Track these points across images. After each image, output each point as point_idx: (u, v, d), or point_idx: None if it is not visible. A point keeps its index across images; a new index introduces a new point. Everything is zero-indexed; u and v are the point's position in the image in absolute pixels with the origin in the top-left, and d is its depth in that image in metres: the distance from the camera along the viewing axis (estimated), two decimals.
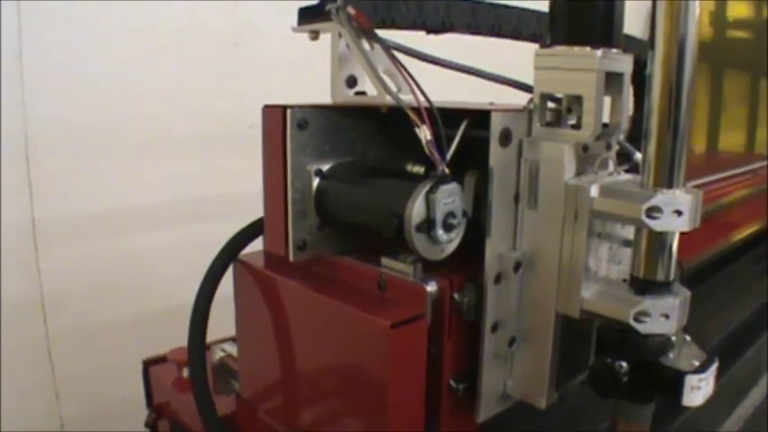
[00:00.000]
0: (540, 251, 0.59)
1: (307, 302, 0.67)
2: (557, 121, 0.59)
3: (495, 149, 0.57)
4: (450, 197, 0.57)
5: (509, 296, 0.60)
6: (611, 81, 0.55)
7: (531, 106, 0.58)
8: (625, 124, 0.58)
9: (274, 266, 0.71)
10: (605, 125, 0.57)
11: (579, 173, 0.58)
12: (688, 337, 0.55)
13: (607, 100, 0.56)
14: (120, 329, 1.42)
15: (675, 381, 0.51)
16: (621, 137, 0.61)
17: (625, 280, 0.57)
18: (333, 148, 0.67)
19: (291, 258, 0.66)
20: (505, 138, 0.58)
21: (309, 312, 0.67)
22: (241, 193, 1.28)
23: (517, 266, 0.60)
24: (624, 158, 0.67)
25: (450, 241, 0.59)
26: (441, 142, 0.57)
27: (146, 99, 1.39)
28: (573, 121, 0.58)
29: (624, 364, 0.53)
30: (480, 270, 0.60)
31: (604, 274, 0.59)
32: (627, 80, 0.56)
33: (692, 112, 0.50)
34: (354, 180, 0.66)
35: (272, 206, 0.67)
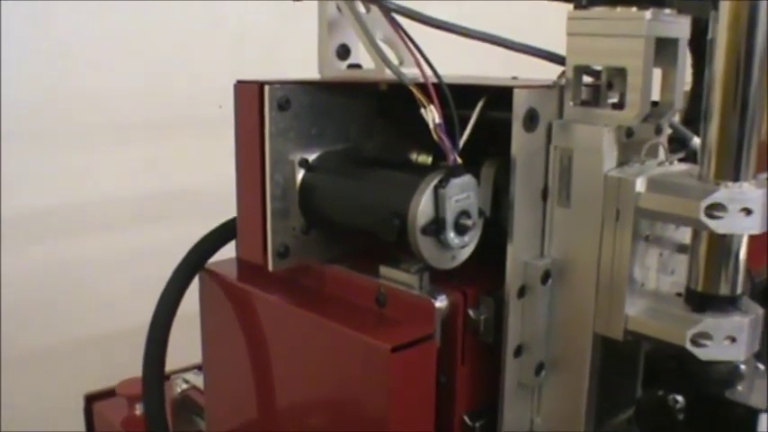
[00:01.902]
0: (573, 258, 0.59)
1: (289, 322, 0.67)
2: (594, 99, 0.59)
3: (518, 134, 0.57)
4: (463, 192, 0.58)
5: (536, 313, 0.60)
6: (663, 49, 0.54)
7: (563, 81, 0.58)
8: (680, 103, 0.57)
9: (250, 278, 0.71)
10: (654, 104, 0.57)
11: (622, 163, 0.58)
12: (761, 366, 0.55)
13: (657, 72, 0.56)
14: (57, 356, 1.40)
15: (746, 420, 0.51)
16: (675, 118, 0.61)
17: (680, 294, 0.57)
18: (321, 133, 0.67)
19: (271, 267, 0.66)
20: (531, 120, 0.58)
21: (293, 334, 0.67)
22: (208, 188, 1.28)
23: (546, 277, 0.60)
24: (678, 145, 0.66)
25: (463, 246, 0.59)
26: (452, 126, 0.57)
27: (89, 74, 1.37)
28: (614, 100, 0.58)
29: (680, 398, 0.53)
30: (500, 281, 0.60)
31: (654, 286, 0.59)
32: (682, 48, 0.56)
33: (765, 87, 0.49)
34: (347, 172, 0.66)
35: (247, 204, 0.67)
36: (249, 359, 0.72)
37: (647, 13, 0.52)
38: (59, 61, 1.35)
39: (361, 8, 0.64)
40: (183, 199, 1.49)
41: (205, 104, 1.31)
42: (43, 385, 1.36)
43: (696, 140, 0.66)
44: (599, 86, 0.58)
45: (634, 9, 0.53)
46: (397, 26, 0.61)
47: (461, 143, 0.58)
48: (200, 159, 1.42)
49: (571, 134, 0.58)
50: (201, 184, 1.39)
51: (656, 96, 0.57)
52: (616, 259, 0.56)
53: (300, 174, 0.66)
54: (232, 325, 0.73)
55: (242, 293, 0.71)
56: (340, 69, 0.70)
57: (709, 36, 0.51)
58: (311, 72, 0.70)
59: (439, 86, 0.57)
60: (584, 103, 0.58)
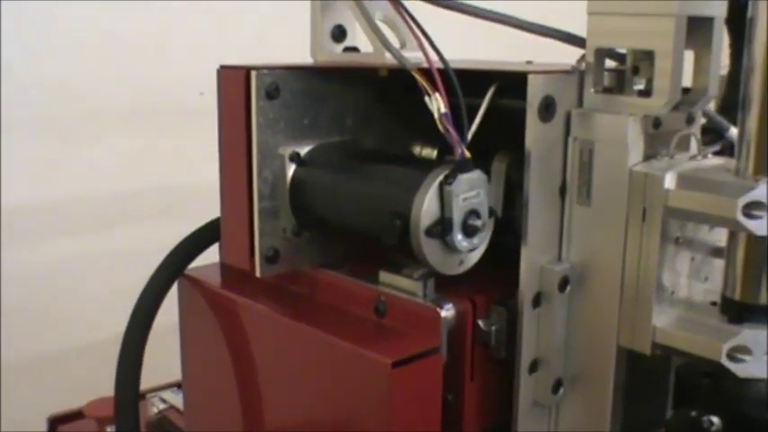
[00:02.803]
0: (595, 263, 0.59)
1: (279, 334, 0.67)
2: (618, 85, 0.58)
3: (533, 125, 0.57)
4: (472, 190, 0.57)
5: (553, 324, 0.60)
6: (696, 29, 0.54)
7: (583, 66, 0.58)
8: (714, 89, 0.57)
9: (235, 285, 0.71)
10: (686, 90, 0.57)
11: (649, 156, 0.58)
12: None
13: (689, 55, 0.56)
14: (17, 372, 1.36)
15: None
16: (709, 106, 0.61)
17: (714, 303, 0.57)
18: (314, 123, 0.67)
19: (259, 273, 0.66)
20: (547, 109, 0.58)
21: (283, 347, 0.67)
22: (188, 185, 1.28)
23: (564, 284, 0.60)
24: (713, 136, 0.66)
25: (472, 249, 0.59)
26: (460, 116, 0.57)
27: (50, 56, 1.34)
28: (641, 86, 0.58)
29: (715, 419, 0.53)
30: (513, 289, 0.60)
31: (685, 294, 0.59)
32: (718, 27, 0.55)
33: None
34: (343, 167, 0.66)
35: (232, 203, 0.67)
36: (234, 375, 0.72)
37: None
38: (19, 44, 1.34)
39: None
40: (160, 197, 1.48)
41: (185, 92, 1.30)
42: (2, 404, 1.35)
43: (733, 131, 0.65)
44: (623, 71, 0.58)
45: None
46: (398, 5, 0.61)
47: (470, 135, 0.58)
48: (180, 153, 1.41)
49: (592, 124, 0.58)
50: (180, 180, 1.38)
51: (687, 82, 0.57)
52: (642, 264, 0.56)
53: (291, 169, 0.66)
54: (215, 337, 0.72)
55: (226, 302, 0.71)
56: (335, 53, 0.70)
57: (749, 14, 0.50)
58: (303, 56, 0.70)
59: (445, 72, 0.57)
60: (606, 90, 0.58)
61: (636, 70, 0.57)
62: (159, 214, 1.41)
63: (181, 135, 1.39)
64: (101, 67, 1.40)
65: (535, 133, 0.57)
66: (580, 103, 0.59)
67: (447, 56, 0.58)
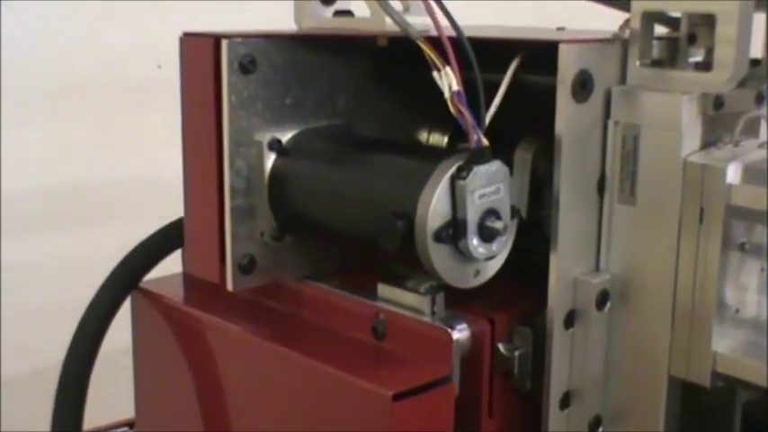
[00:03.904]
0: (641, 274, 0.59)
1: (256, 360, 0.67)
2: (670, 57, 0.58)
3: (565, 106, 0.57)
4: (490, 184, 0.57)
5: (590, 349, 0.60)
6: None
7: (627, 34, 0.58)
8: None
9: (201, 300, 0.71)
10: (754, 63, 0.57)
11: (708, 144, 0.58)
12: None
13: (759, 20, 0.56)
14: None
15: None
16: None
17: None
18: (298, 104, 0.67)
19: (231, 286, 0.66)
20: (583, 86, 0.57)
21: (261, 376, 0.66)
22: (146, 178, 1.27)
23: (602, 299, 0.60)
24: None
25: (490, 257, 0.59)
26: (476, 94, 0.57)
27: None
28: (698, 58, 0.58)
29: None
30: (541, 305, 0.60)
31: (753, 313, 0.59)
32: None
33: None
34: (334, 157, 0.66)
35: (198, 200, 0.67)
36: (201, 411, 0.71)
37: None
38: None
39: None
40: (108, 193, 1.46)
41: (139, 64, 1.29)
42: None
43: None
44: (677, 40, 0.58)
45: None
46: None
47: (488, 117, 0.58)
48: (133, 139, 1.39)
49: (638, 105, 0.57)
50: (134, 172, 1.37)
51: (756, 53, 0.57)
52: (700, 276, 0.56)
53: (271, 159, 0.66)
54: (178, 365, 0.72)
55: (191, 322, 0.71)
56: (324, 18, 0.70)
57: None
58: (286, 23, 0.70)
59: (458, 41, 0.56)
60: (655, 63, 0.58)
61: (692, 38, 0.57)
62: (106, 214, 1.39)
63: (134, 118, 1.37)
64: (37, 32, 1.39)
65: (568, 116, 0.57)
66: (623, 78, 0.59)
67: (460, 22, 0.58)
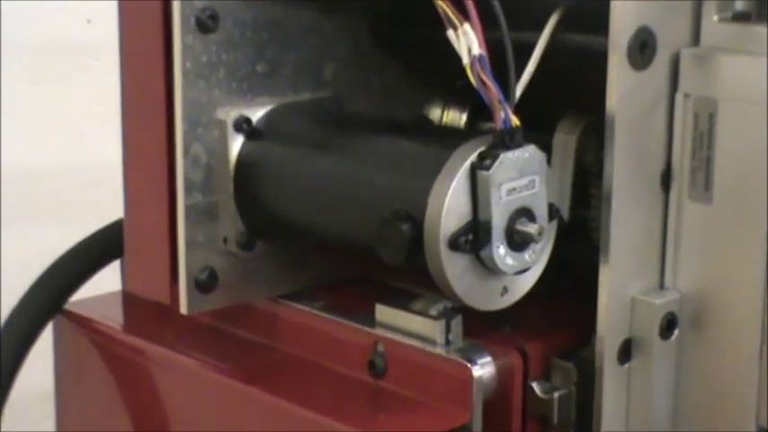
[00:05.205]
0: (719, 293, 0.58)
1: (219, 403, 0.66)
2: (757, 10, 0.57)
3: (620, 75, 0.56)
4: (522, 176, 0.57)
5: (651, 390, 0.59)
6: None
7: None
8: None
9: (146, 327, 0.72)
10: None
11: None
12: None
13: None
14: None
15: None
16: None
17: None
18: (273, 72, 0.67)
19: (186, 309, 0.65)
20: (642, 49, 0.57)
21: (224, 422, 0.66)
22: (70, 168, 1.27)
23: (669, 325, 0.59)
24: None
25: (522, 270, 0.59)
26: (503, 60, 0.56)
27: None
28: None
29: None
30: (588, 332, 0.59)
31: None
32: None
33: None
34: (320, 141, 0.66)
35: (142, 198, 0.67)
36: None
37: None
38: None
39: None
40: (19, 186, 1.47)
41: (62, 18, 1.29)
42: None
43: None
44: None
45: None
46: None
47: (520, 90, 0.58)
48: (53, 116, 1.40)
49: (715, 73, 0.57)
50: (55, 159, 1.37)
51: None
52: None
53: (237, 143, 0.66)
54: (114, 410, 0.72)
55: (132, 354, 0.71)
56: None
57: None
58: None
59: None
60: (738, 17, 0.57)
61: None
62: (19, 213, 1.40)
63: (54, 89, 1.38)
64: None
65: (623, 88, 0.56)
66: (695, 39, 0.58)
67: None
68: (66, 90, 1.28)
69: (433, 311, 0.62)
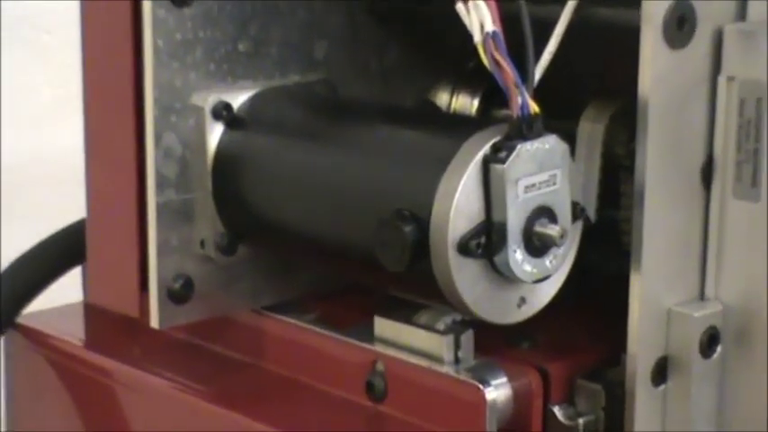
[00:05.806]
0: None
1: (195, 429, 0.67)
2: None
3: (654, 54, 0.55)
4: (542, 171, 0.57)
5: (691, 414, 0.59)
6: None
7: None
8: None
9: (111, 343, 0.71)
10: None
11: None
12: None
13: None
14: None
15: None
16: None
17: None
18: (256, 52, 0.68)
19: (157, 323, 0.66)
20: (680, 25, 0.56)
21: None
22: (26, 159, 1.26)
23: (711, 341, 0.58)
24: None
25: (542, 278, 0.58)
26: (521, 38, 0.56)
27: None
28: None
29: None
30: (617, 349, 0.59)
31: None
32: None
33: None
34: (311, 130, 0.67)
35: (106, 196, 0.67)
36: None
37: None
38: None
39: None
40: None
41: None
42: None
43: None
44: None
45: None
46: None
47: (539, 73, 0.57)
48: (7, 101, 1.40)
49: (764, 52, 0.56)
50: (8, 151, 1.36)
51: None
52: None
53: (217, 133, 0.66)
54: None
55: (94, 374, 0.70)
56: None
57: None
58: None
59: None
60: None
61: None
62: None
63: (8, 68, 1.37)
64: None
65: (658, 69, 0.56)
66: (741, 13, 0.58)
67: None
68: (17, 70, 1.28)
69: (440, 325, 0.61)
